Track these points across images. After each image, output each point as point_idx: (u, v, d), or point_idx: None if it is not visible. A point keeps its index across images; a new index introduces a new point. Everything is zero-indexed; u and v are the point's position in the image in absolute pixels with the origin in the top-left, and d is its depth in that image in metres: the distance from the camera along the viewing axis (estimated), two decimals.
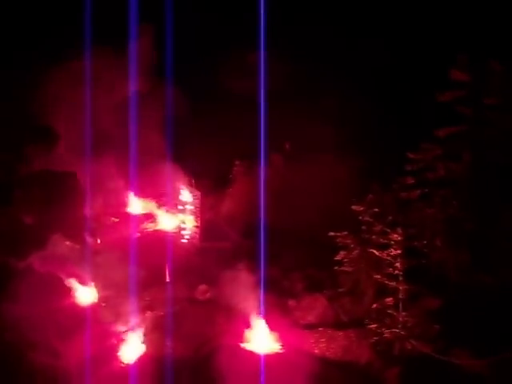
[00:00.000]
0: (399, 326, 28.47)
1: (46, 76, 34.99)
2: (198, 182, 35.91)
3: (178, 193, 35.61)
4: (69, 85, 34.74)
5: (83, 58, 34.46)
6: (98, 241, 33.63)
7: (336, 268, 30.92)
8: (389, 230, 29.06)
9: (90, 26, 33.59)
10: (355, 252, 30.34)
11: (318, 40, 37.15)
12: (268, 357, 28.40)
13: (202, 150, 35.35)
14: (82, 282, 31.26)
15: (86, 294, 31.27)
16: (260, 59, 33.72)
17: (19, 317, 27.65)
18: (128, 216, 35.44)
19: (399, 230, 28.78)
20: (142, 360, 28.56)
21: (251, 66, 34.69)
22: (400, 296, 28.64)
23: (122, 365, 28.40)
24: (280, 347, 29.22)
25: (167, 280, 32.50)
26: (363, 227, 30.15)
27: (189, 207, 35.62)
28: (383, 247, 29.21)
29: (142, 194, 36.02)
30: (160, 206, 35.95)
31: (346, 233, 30.47)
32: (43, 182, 32.06)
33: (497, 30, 33.38)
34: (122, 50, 35.52)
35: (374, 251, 29.43)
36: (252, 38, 33.91)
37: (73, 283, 31.09)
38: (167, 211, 35.78)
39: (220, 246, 34.53)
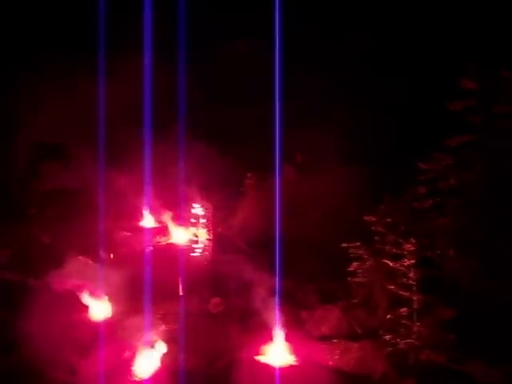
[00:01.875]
0: (414, 337, 28.37)
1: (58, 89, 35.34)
2: (209, 194, 35.91)
3: (190, 206, 35.63)
4: (80, 99, 34.96)
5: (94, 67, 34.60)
6: (111, 256, 33.70)
7: (349, 279, 30.90)
8: (402, 240, 28.99)
9: (103, 33, 33.89)
10: (368, 263, 30.30)
11: (329, 52, 37.26)
12: (283, 369, 28.37)
13: (213, 162, 35.38)
14: (97, 297, 31.38)
15: (100, 309, 31.35)
16: (274, 71, 33.77)
17: (35, 334, 27.76)
18: (141, 230, 35.51)
19: (412, 240, 28.70)
20: (156, 374, 28.57)
21: (264, 78, 34.73)
22: (414, 306, 28.53)
23: (137, 379, 28.40)
24: (294, 359, 29.18)
25: (180, 293, 32.54)
26: (376, 238, 30.12)
27: (201, 220, 35.61)
28: (396, 257, 29.14)
29: (155, 207, 36.07)
30: (172, 219, 35.99)
31: (358, 243, 30.44)
32: (57, 200, 32.24)
33: (507, 38, 33.33)
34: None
35: (388, 262, 29.38)
36: (267, 49, 34.03)
37: (87, 299, 31.21)
38: (180, 225, 35.81)
39: (233, 259, 34.53)
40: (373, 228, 30.17)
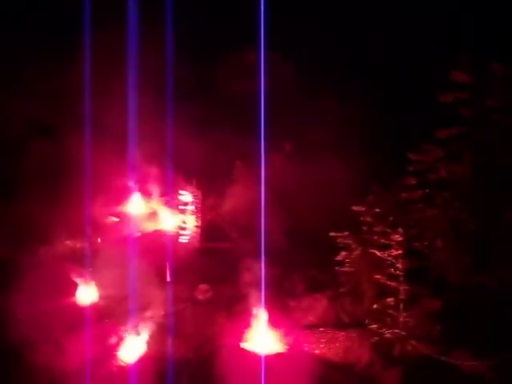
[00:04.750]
0: (400, 327, 28.51)
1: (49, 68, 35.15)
2: (198, 182, 35.85)
3: (179, 193, 35.58)
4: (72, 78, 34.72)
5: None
6: (99, 240, 33.63)
7: (337, 268, 30.95)
8: (390, 231, 29.09)
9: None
10: (356, 252, 30.38)
11: (318, 41, 37.14)
12: (269, 357, 28.44)
13: (203, 149, 35.27)
14: (84, 281, 31.33)
15: (87, 294, 31.30)
16: (260, 60, 33.68)
17: (22, 313, 27.71)
18: (129, 215, 35.43)
19: (400, 231, 28.80)
20: (142, 359, 28.58)
21: (251, 66, 34.65)
22: (401, 296, 28.68)
23: (123, 364, 28.40)
24: (281, 347, 29.25)
25: (168, 280, 32.51)
26: (364, 228, 30.18)
27: (190, 207, 35.58)
28: (384, 248, 29.24)
29: (144, 193, 36.01)
30: (161, 205, 35.94)
31: (347, 233, 30.49)
32: (47, 178, 32.13)
33: (499, 32, 33.37)
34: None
35: (375, 251, 29.46)
36: (252, 39, 33.90)
37: (75, 281, 31.17)
38: (168, 211, 35.76)
39: (220, 246, 34.53)
40: (361, 218, 30.23)
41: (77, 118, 33.58)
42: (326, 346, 29.27)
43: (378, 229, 29.68)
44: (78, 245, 32.58)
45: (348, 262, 30.62)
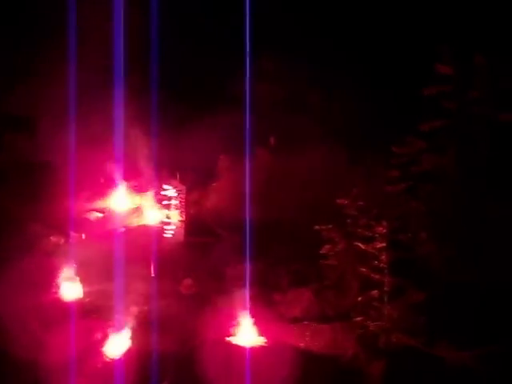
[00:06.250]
0: (384, 319, 28.59)
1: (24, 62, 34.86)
2: (183, 176, 35.78)
3: (162, 187, 35.49)
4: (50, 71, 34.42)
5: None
6: (83, 236, 33.51)
7: (321, 262, 30.97)
8: (374, 223, 29.16)
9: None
10: (340, 245, 30.43)
11: (303, 34, 37.09)
12: (253, 350, 28.47)
13: (187, 143, 35.19)
14: (68, 277, 31.21)
15: (71, 289, 31.19)
16: (246, 56, 33.66)
17: (4, 310, 27.58)
18: (113, 211, 35.27)
19: (384, 223, 28.87)
20: (127, 355, 28.52)
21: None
22: (385, 289, 28.77)
23: (108, 359, 28.33)
24: (265, 341, 29.27)
25: (152, 275, 32.47)
26: (348, 221, 30.23)
27: (174, 202, 35.51)
28: (368, 240, 29.32)
29: (127, 188, 35.85)
30: (145, 200, 35.81)
31: (331, 226, 30.52)
32: (24, 173, 31.98)
33: (482, 24, 33.38)
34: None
35: (359, 244, 29.53)
36: (238, 36, 33.86)
37: (58, 278, 31.04)
38: (152, 206, 35.66)
39: (205, 241, 34.49)
40: (345, 211, 30.27)
41: (58, 110, 33.37)
42: (310, 339, 29.33)
43: (362, 221, 29.76)
44: (62, 240, 32.39)
45: (332, 255, 30.65)
